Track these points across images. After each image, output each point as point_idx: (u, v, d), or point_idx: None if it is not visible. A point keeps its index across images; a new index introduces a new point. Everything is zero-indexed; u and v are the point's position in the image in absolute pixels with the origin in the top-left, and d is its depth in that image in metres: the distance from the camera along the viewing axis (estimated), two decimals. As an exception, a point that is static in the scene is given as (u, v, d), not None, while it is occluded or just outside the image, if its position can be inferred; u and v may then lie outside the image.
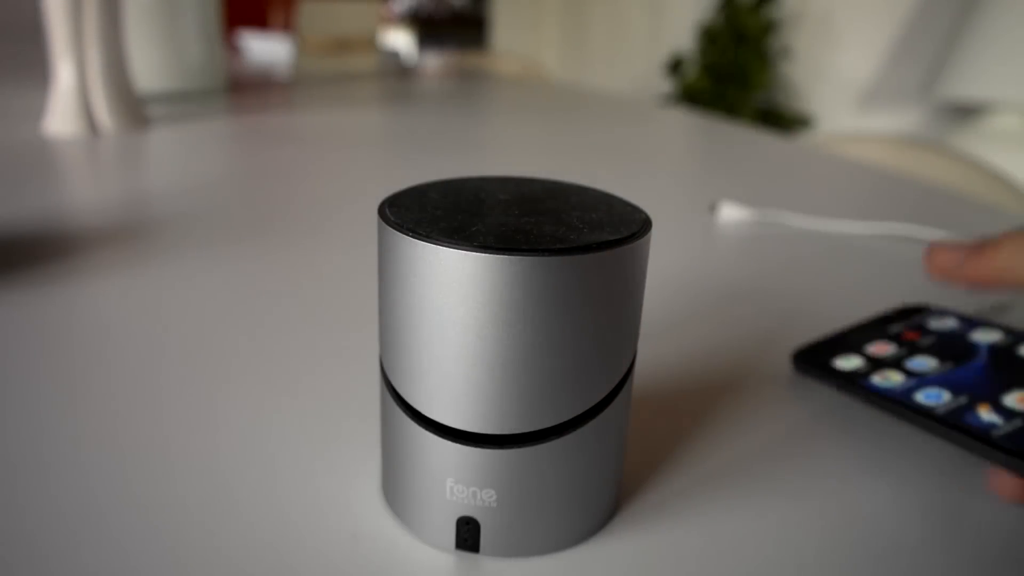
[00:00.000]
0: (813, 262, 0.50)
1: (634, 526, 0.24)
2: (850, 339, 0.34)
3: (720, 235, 0.54)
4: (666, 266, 0.48)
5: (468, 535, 0.22)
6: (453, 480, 0.21)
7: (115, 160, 0.65)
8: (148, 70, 0.94)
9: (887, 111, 2.27)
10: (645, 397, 0.32)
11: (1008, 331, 0.31)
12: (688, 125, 1.02)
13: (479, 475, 0.21)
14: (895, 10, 2.20)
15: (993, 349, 0.30)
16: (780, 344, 0.38)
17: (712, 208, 0.61)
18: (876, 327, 0.34)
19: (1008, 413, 0.26)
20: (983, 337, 0.31)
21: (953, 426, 0.25)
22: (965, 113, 2.05)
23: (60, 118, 0.74)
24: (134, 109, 0.78)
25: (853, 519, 0.25)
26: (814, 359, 0.32)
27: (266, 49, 1.56)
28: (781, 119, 2.43)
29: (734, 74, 2.44)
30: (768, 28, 2.43)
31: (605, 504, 0.23)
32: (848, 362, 0.31)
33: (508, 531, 0.22)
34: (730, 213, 0.58)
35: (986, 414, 0.26)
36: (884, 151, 0.98)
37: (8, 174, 0.59)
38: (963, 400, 0.27)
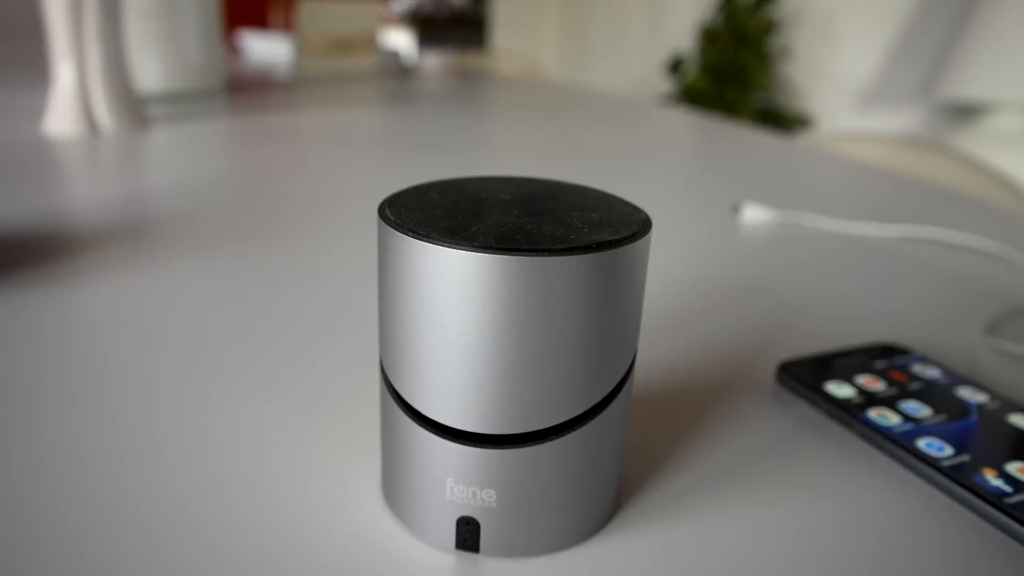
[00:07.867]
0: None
1: (634, 526, 0.24)
2: (836, 365, 0.34)
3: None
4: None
5: (468, 535, 0.22)
6: (453, 480, 0.21)
7: (115, 160, 0.65)
8: (148, 70, 0.94)
9: (887, 111, 2.27)
10: (646, 397, 0.32)
11: (993, 394, 0.32)
12: (689, 125, 1.02)
13: (479, 475, 0.21)
14: (895, 10, 2.20)
15: (983, 411, 0.31)
16: (794, 347, 0.38)
17: (735, 209, 0.61)
18: (860, 358, 0.35)
19: (1015, 482, 0.26)
20: (970, 396, 0.32)
21: (962, 483, 0.26)
22: (965, 113, 2.05)
23: (60, 118, 0.74)
24: (134, 109, 0.78)
25: (853, 519, 0.25)
26: (800, 378, 0.33)
27: (266, 49, 1.56)
28: (781, 119, 2.43)
29: (734, 74, 2.44)
30: (768, 28, 2.43)
31: (605, 504, 0.23)
32: (841, 389, 0.32)
33: (508, 531, 0.22)
34: (754, 214, 0.58)
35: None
36: (884, 151, 0.98)
37: (8, 174, 0.59)
38: (966, 458, 0.27)
